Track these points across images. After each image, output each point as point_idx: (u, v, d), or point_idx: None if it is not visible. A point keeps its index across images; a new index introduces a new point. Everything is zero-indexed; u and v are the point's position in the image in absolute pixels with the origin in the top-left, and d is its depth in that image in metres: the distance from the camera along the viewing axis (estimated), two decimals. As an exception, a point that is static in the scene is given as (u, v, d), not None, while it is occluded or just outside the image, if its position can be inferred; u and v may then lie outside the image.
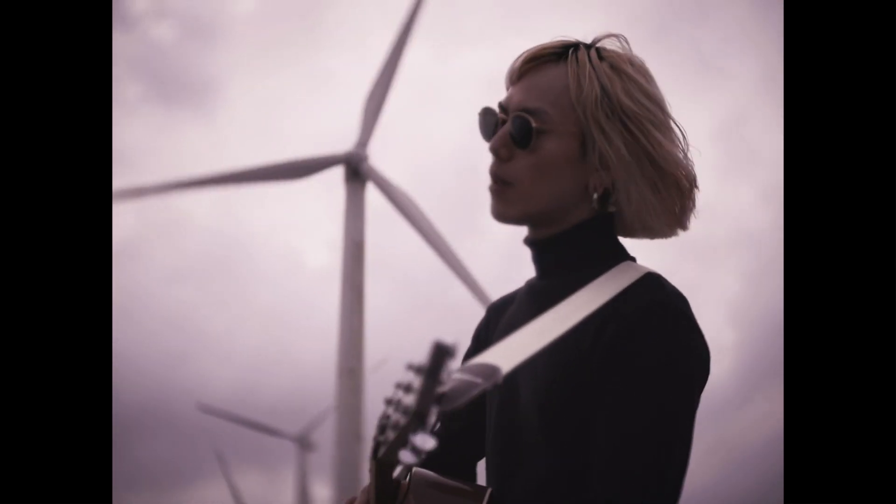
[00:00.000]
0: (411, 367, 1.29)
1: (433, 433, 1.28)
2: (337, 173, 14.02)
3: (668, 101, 1.76)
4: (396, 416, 1.32)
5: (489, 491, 1.67)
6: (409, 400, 1.28)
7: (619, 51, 1.76)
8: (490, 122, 1.79)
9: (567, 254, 1.78)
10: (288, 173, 13.54)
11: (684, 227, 1.78)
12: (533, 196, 1.74)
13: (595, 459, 1.59)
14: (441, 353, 1.25)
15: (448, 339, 1.26)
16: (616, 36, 1.78)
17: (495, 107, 1.80)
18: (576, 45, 1.77)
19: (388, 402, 1.37)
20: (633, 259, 1.78)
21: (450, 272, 13.46)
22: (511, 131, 1.74)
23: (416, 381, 1.28)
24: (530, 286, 1.85)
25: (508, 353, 1.59)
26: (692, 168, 1.75)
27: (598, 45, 1.78)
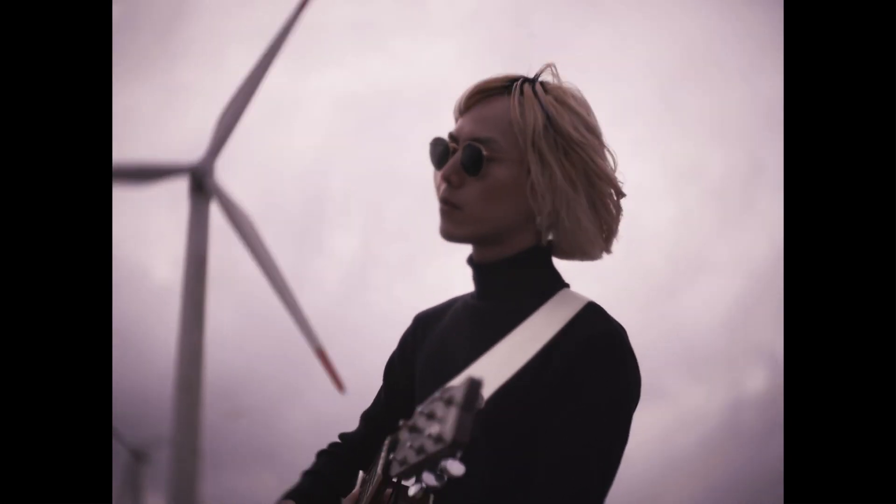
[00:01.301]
0: (442, 399, 1.40)
1: (461, 460, 1.40)
2: (182, 186, 13.66)
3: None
4: (422, 441, 1.42)
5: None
6: (438, 429, 1.38)
7: (562, 84, 1.88)
8: (440, 151, 1.90)
9: (510, 280, 1.89)
10: (132, 176, 13.21)
11: (609, 250, 1.90)
12: (480, 219, 1.85)
13: (539, 472, 1.71)
14: (477, 387, 1.36)
15: (476, 375, 1.38)
16: (550, 65, 1.91)
17: (445, 136, 1.90)
18: (523, 79, 1.89)
19: (408, 426, 1.48)
20: (568, 286, 1.90)
21: (281, 306, 13.11)
22: (462, 159, 1.85)
23: (448, 411, 1.38)
24: (468, 305, 1.96)
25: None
26: (622, 194, 1.87)
27: (542, 78, 1.89)
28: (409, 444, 1.46)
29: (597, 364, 1.74)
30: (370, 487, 1.66)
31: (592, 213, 1.84)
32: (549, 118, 1.83)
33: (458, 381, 1.39)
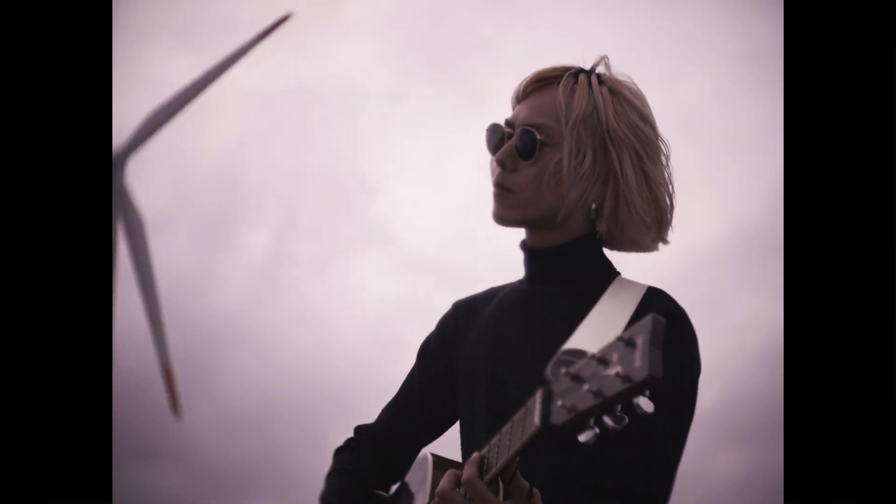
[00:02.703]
0: (621, 340, 1.37)
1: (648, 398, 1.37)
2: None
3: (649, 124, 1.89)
4: (600, 384, 1.39)
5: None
6: (623, 369, 1.35)
7: (620, 77, 1.91)
8: (496, 137, 1.93)
9: (563, 265, 1.91)
10: None
11: (663, 240, 1.93)
12: (532, 203, 1.88)
13: (617, 450, 1.71)
14: (662, 324, 1.35)
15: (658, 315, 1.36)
16: (604, 58, 1.93)
17: (502, 123, 1.93)
18: (579, 69, 1.91)
19: (570, 375, 1.44)
20: (620, 273, 1.92)
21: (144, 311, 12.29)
22: (517, 144, 1.88)
23: (631, 351, 1.35)
24: (519, 291, 1.97)
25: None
26: (671, 189, 1.90)
27: (599, 69, 1.92)
28: (579, 390, 1.42)
29: (673, 343, 1.73)
30: (511, 442, 1.62)
31: (631, 203, 1.85)
32: (595, 107, 1.85)
33: (639, 322, 1.37)
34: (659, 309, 1.74)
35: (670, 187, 1.90)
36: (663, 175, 1.88)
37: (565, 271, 1.90)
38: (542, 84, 1.91)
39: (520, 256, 1.96)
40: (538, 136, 1.86)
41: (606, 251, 1.95)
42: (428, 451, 1.93)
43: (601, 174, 1.85)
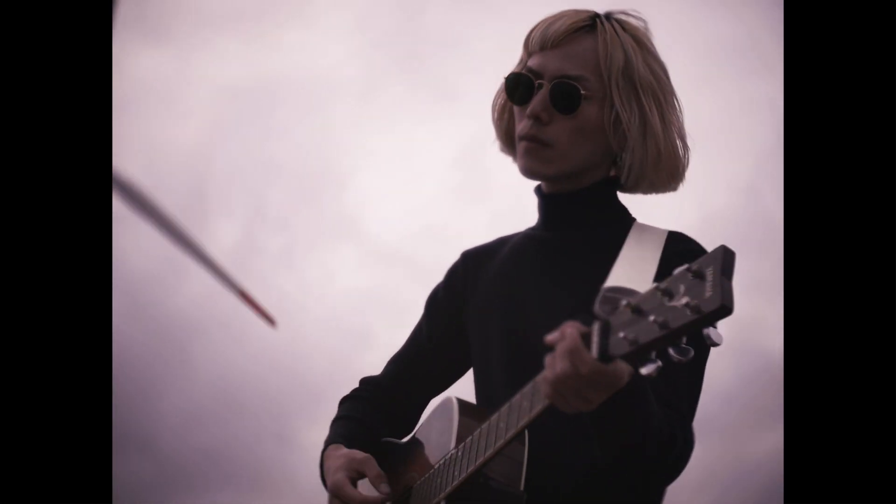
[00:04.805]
0: (689, 271, 1.34)
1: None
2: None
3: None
4: (666, 316, 1.36)
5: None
6: (693, 300, 1.32)
7: (638, 25, 1.91)
8: (523, 87, 1.89)
9: (583, 211, 1.91)
10: None
11: (680, 182, 1.94)
12: (570, 157, 1.87)
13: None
14: (732, 256, 1.32)
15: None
16: (635, 16, 1.93)
17: (519, 71, 1.90)
18: (605, 16, 1.90)
19: (630, 307, 1.40)
20: (635, 219, 1.93)
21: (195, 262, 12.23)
22: (554, 97, 1.85)
23: (700, 283, 1.32)
24: (532, 237, 1.96)
25: None
26: (685, 131, 1.92)
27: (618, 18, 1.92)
28: (642, 322, 1.39)
29: None
30: None
31: (660, 148, 1.87)
32: (626, 58, 1.86)
33: (709, 253, 1.34)
34: (683, 248, 1.80)
35: (684, 133, 1.92)
36: (679, 118, 1.92)
37: (583, 216, 1.90)
38: (569, 33, 1.89)
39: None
40: (583, 91, 1.84)
41: (620, 195, 1.96)
42: (452, 395, 1.91)
43: (637, 124, 1.87)
